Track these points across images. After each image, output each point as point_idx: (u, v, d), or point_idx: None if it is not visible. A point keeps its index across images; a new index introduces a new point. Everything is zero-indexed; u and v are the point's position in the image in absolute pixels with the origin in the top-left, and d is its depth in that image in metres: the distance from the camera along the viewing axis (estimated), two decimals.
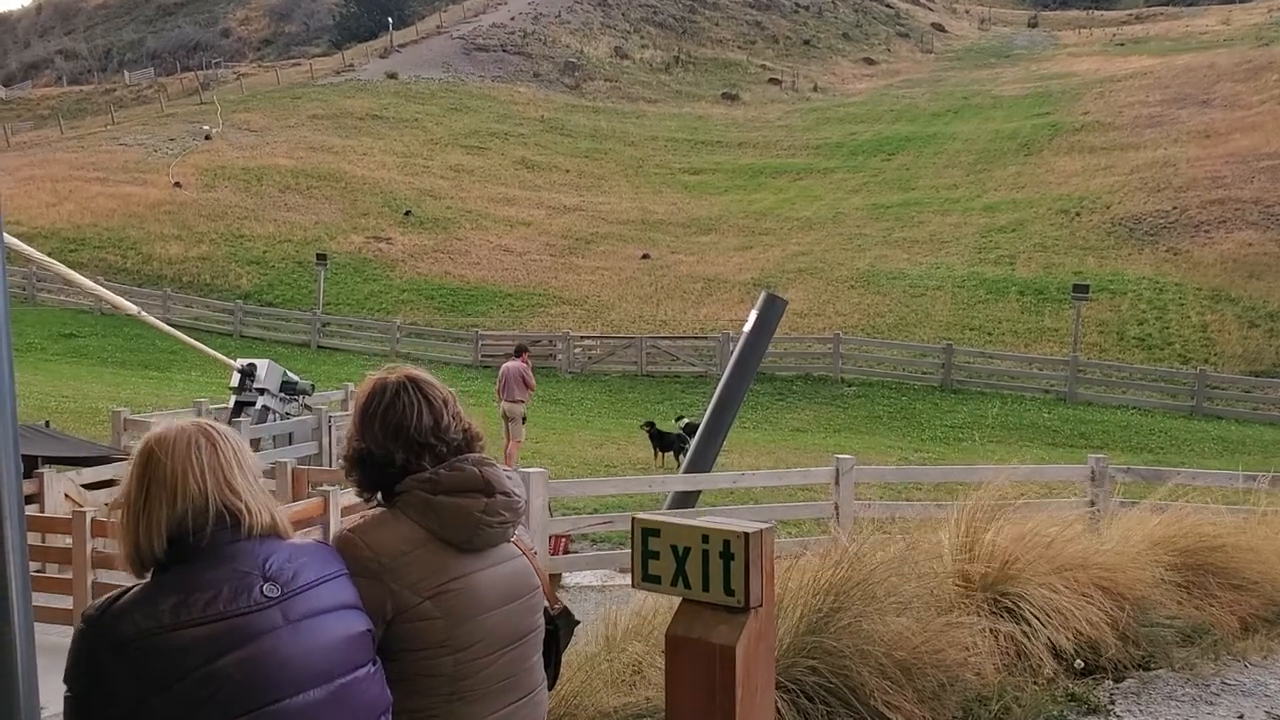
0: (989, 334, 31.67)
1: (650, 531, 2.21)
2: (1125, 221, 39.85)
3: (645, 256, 40.73)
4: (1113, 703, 4.33)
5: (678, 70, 73.05)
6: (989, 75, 69.81)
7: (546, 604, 2.36)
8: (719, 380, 10.26)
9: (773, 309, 9.95)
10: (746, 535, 2.08)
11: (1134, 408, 26.33)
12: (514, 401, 16.59)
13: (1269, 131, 47.34)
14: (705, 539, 2.13)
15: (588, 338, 31.86)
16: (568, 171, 53.12)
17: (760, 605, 2.12)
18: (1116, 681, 4.64)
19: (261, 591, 1.86)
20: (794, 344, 29.52)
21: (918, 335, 31.39)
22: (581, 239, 43.11)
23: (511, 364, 17.09)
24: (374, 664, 1.96)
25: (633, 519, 2.26)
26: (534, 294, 37.29)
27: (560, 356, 30.17)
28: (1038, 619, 4.54)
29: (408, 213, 44.58)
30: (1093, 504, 10.07)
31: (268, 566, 1.90)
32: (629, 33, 77.04)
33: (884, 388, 27.63)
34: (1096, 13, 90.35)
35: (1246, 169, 42.73)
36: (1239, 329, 30.51)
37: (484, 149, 54.91)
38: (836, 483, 10.08)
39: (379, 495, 2.20)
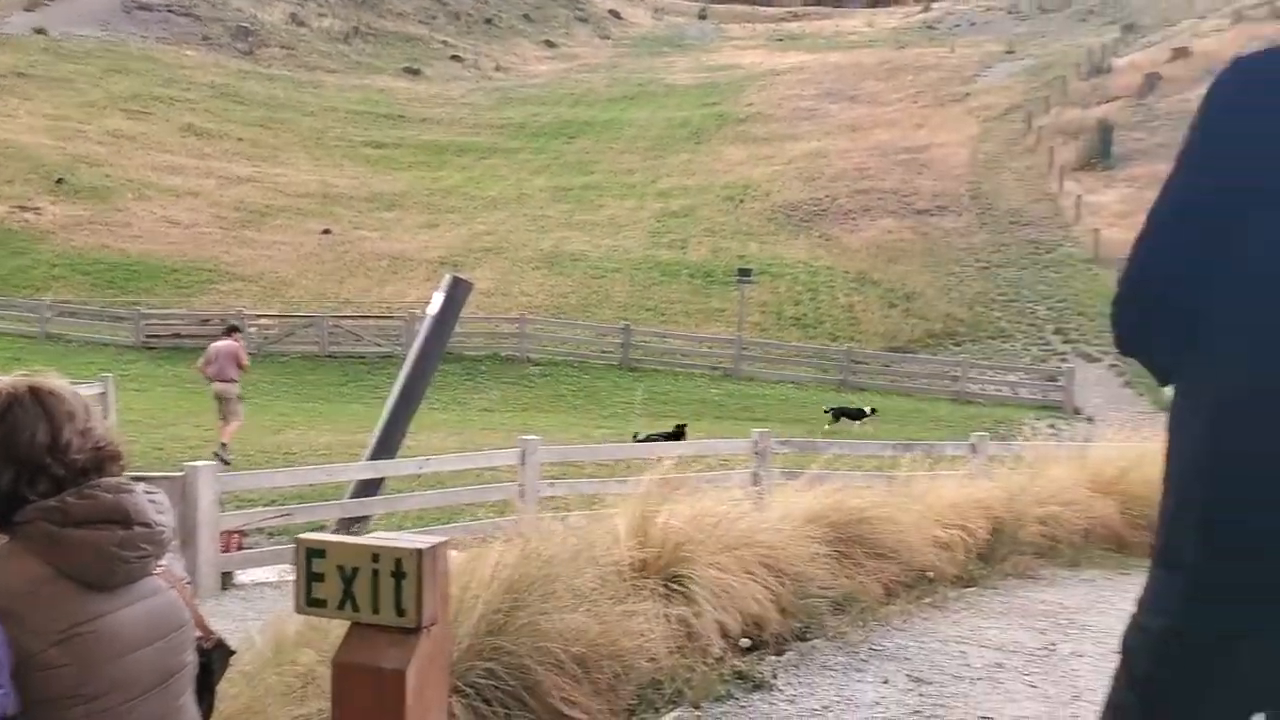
0: (663, 314, 33.38)
1: (315, 553, 2.03)
2: (784, 209, 43.03)
3: (326, 232, 39.63)
4: (775, 676, 4.57)
5: (358, 41, 71.17)
6: (663, 64, 72.73)
7: (199, 639, 2.17)
8: (405, 362, 10.39)
9: (458, 291, 10.17)
10: (419, 552, 1.97)
11: (791, 383, 28.69)
12: (228, 381, 16.44)
13: (905, 127, 52.46)
14: (375, 558, 1.99)
15: (264, 316, 30.76)
16: (241, 140, 50.68)
17: (434, 624, 2.02)
18: (778, 655, 4.88)
19: None
20: (481, 324, 29.89)
21: (598, 316, 32.61)
22: (257, 211, 41.38)
23: (223, 343, 16.95)
24: None
25: (297, 540, 2.06)
26: (204, 269, 35.46)
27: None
28: (707, 600, 4.70)
29: (59, 180, 41.05)
30: (756, 475, 10.85)
31: None
32: (305, 0, 74.15)
33: (568, 367, 28.57)
34: (758, 8, 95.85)
35: (887, 161, 47.19)
36: (880, 309, 33.79)
37: (147, 114, 51.34)
38: (522, 463, 10.18)
39: None
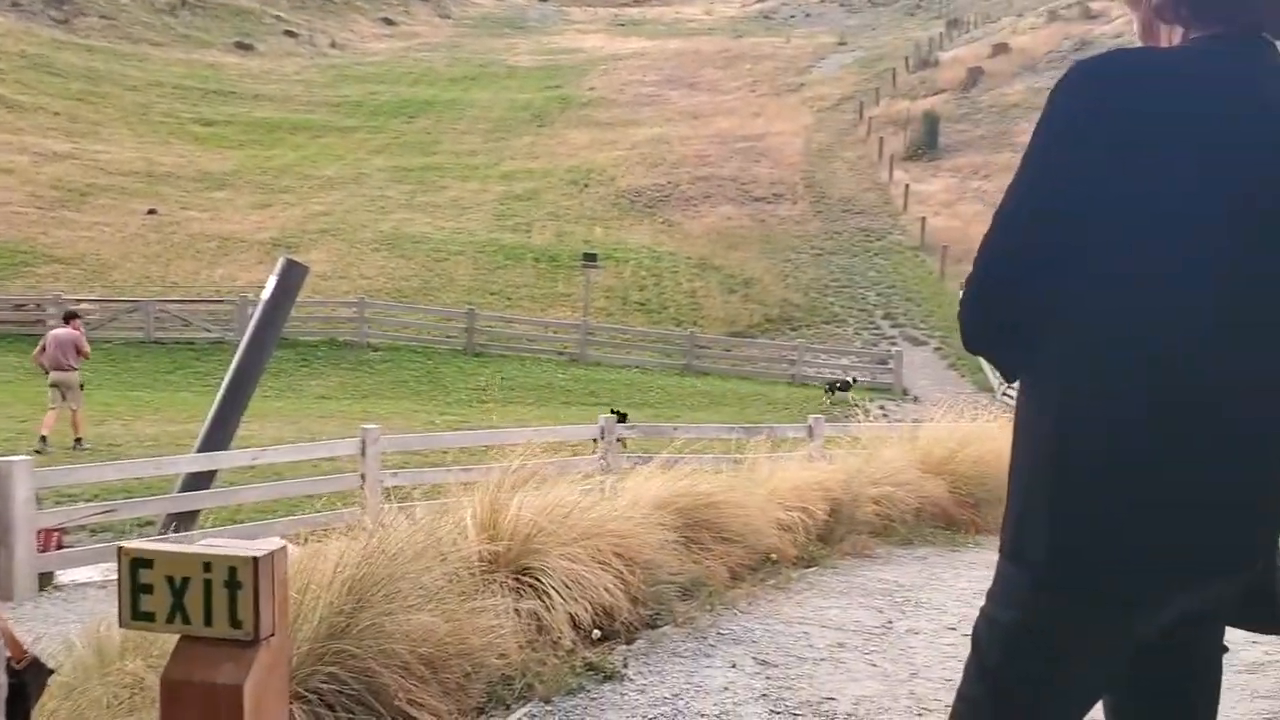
0: (508, 299, 33.16)
1: (141, 563, 1.91)
2: (627, 194, 43.27)
3: (152, 212, 37.87)
4: (626, 666, 4.56)
5: (185, 13, 68.06)
6: (504, 45, 72.05)
7: (10, 659, 2.11)
8: (237, 348, 10.02)
9: (293, 275, 9.81)
10: (255, 560, 1.87)
11: (636, 367, 28.93)
12: (67, 370, 16.16)
13: (743, 116, 53.40)
14: (208, 567, 1.89)
15: (86, 301, 29.16)
16: (57, 114, 47.89)
17: (273, 634, 1.92)
18: (629, 644, 4.83)
19: None
20: (318, 308, 29.06)
21: (441, 300, 32.15)
22: (76, 190, 39.21)
23: (62, 331, 16.75)
24: None
25: (119, 549, 1.92)
26: (17, 251, 33.41)
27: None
28: (558, 592, 4.64)
29: None
30: (604, 459, 10.88)
31: None
32: None
33: (410, 352, 28.08)
34: None
35: (726, 149, 47.96)
36: (721, 294, 34.36)
37: None
38: (363, 454, 10.00)
39: None
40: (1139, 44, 1.79)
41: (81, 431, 15.93)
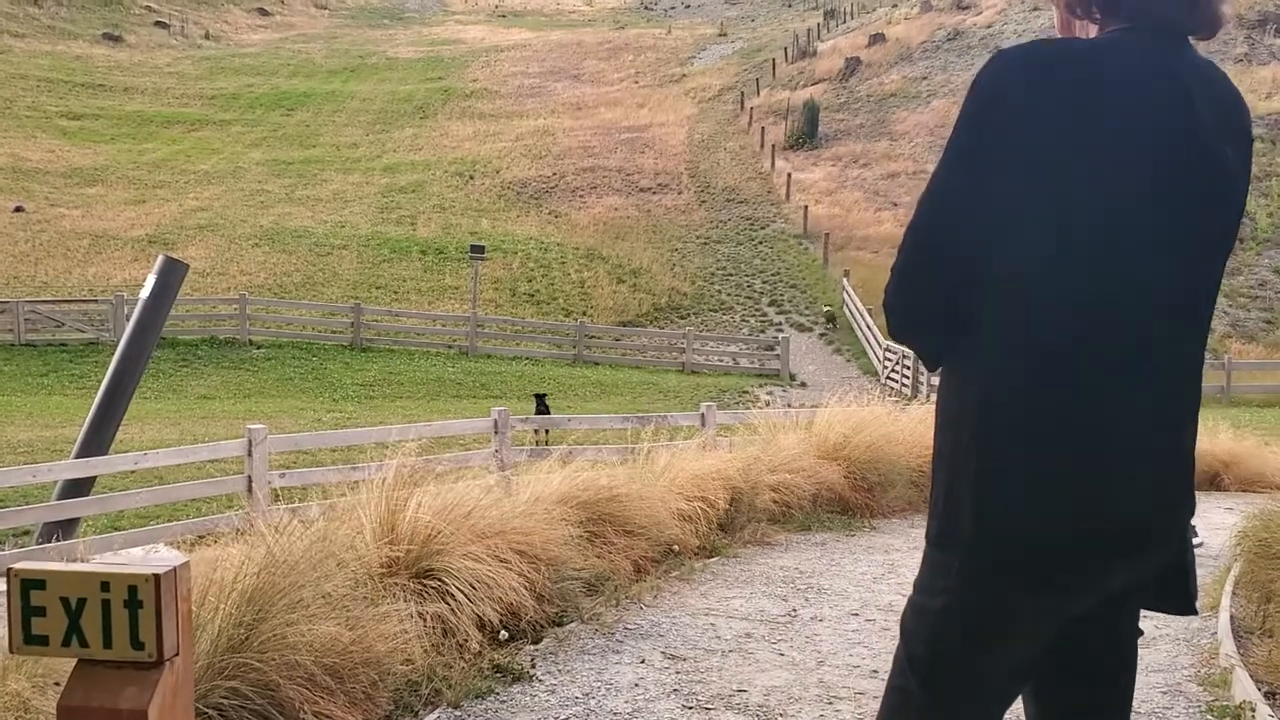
0: (395, 292, 32.63)
1: (33, 584, 1.82)
2: (513, 185, 42.95)
3: (19, 209, 36.32)
4: (534, 666, 4.53)
5: (49, 4, 65.17)
6: (384, 36, 70.80)
7: None
8: (115, 349, 9.65)
9: (173, 273, 9.52)
10: (157, 577, 1.79)
11: (527, 359, 28.76)
12: None
13: (627, 107, 53.46)
14: (105, 586, 1.80)
15: None
16: None
17: (176, 655, 1.85)
18: (535, 643, 4.81)
19: None
20: (197, 305, 28.21)
21: (326, 295, 31.48)
22: None
23: None
24: None
25: (9, 571, 1.84)
26: None
27: None
28: (463, 594, 4.58)
29: None
30: (498, 453, 10.76)
31: None
32: None
33: (295, 348, 27.43)
34: None
35: (611, 140, 47.96)
36: (610, 284, 34.37)
37: None
38: (249, 455, 9.71)
39: None
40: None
41: None
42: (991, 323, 1.64)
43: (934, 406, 1.78)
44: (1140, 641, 1.87)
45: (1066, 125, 1.58)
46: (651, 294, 34.01)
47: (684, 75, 59.77)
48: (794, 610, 5.70)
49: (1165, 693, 4.41)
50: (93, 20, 65.14)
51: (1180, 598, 1.77)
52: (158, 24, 67.46)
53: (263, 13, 75.53)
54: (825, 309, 30.55)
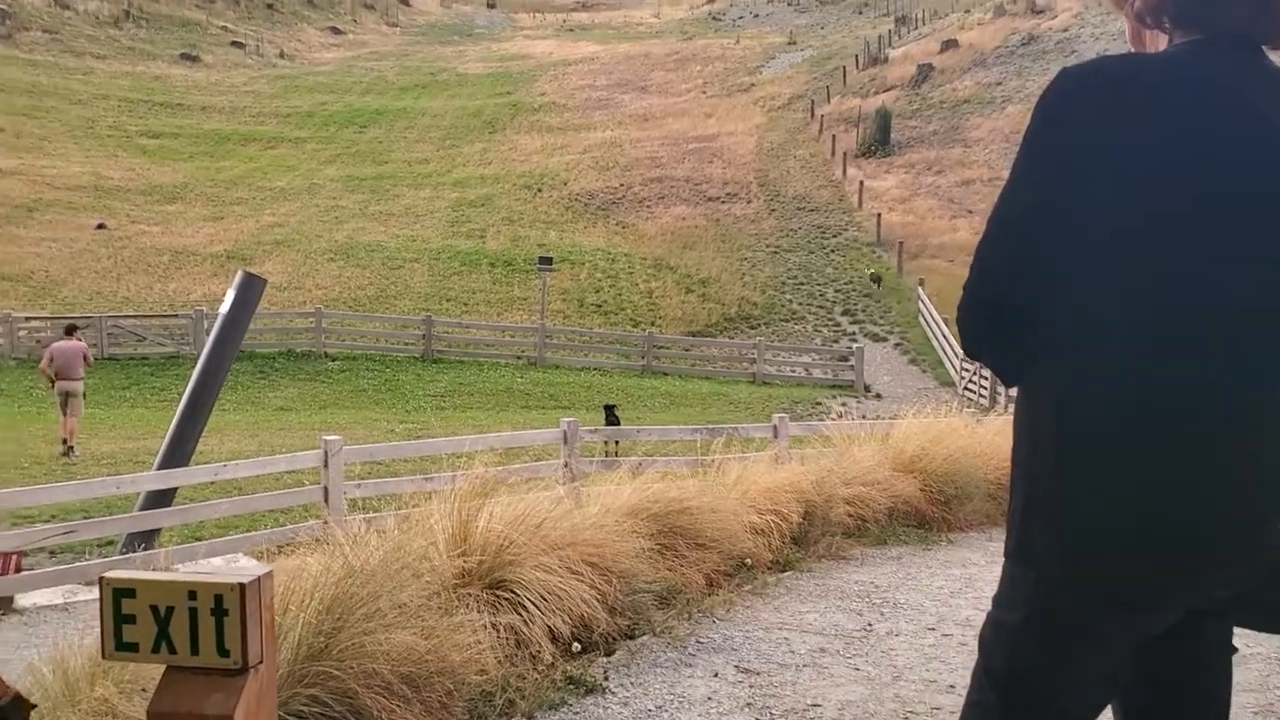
0: (465, 304, 32.96)
1: (124, 592, 1.85)
2: (581, 197, 43.20)
3: (101, 226, 37.34)
4: (607, 679, 4.50)
5: (129, 26, 67.14)
6: (454, 53, 71.73)
7: None
8: (195, 362, 9.82)
9: (251, 289, 9.70)
10: (242, 586, 1.83)
11: (595, 369, 28.85)
12: (75, 379, 17.23)
13: (695, 117, 53.51)
14: (193, 595, 1.85)
15: (35, 319, 28.63)
16: (2, 130, 47.06)
17: (260, 663, 1.89)
18: (608, 656, 4.76)
19: None
20: (274, 319, 28.75)
21: (398, 307, 31.92)
22: (23, 206, 38.54)
23: (68, 343, 17.81)
24: None
25: (101, 579, 1.88)
26: None
27: (1, 341, 26.90)
28: (535, 605, 4.58)
29: None
30: (567, 464, 10.77)
31: None
32: None
33: (368, 360, 27.85)
34: None
35: (678, 150, 48.03)
36: (678, 294, 34.37)
37: None
38: (326, 465, 9.82)
39: None
40: (1115, 47, 1.81)
41: (74, 439, 16.50)
42: (1066, 340, 1.62)
43: (1011, 418, 1.77)
44: (1233, 660, 1.82)
45: (1136, 143, 1.56)
46: (721, 304, 33.93)
47: (753, 84, 59.66)
48: (869, 625, 5.61)
49: (1257, 713, 4.26)
50: (171, 41, 66.94)
51: (1271, 615, 1.72)
52: (234, 44, 69.10)
53: (335, 31, 76.99)
54: (870, 271, 29.94)
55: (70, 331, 18.78)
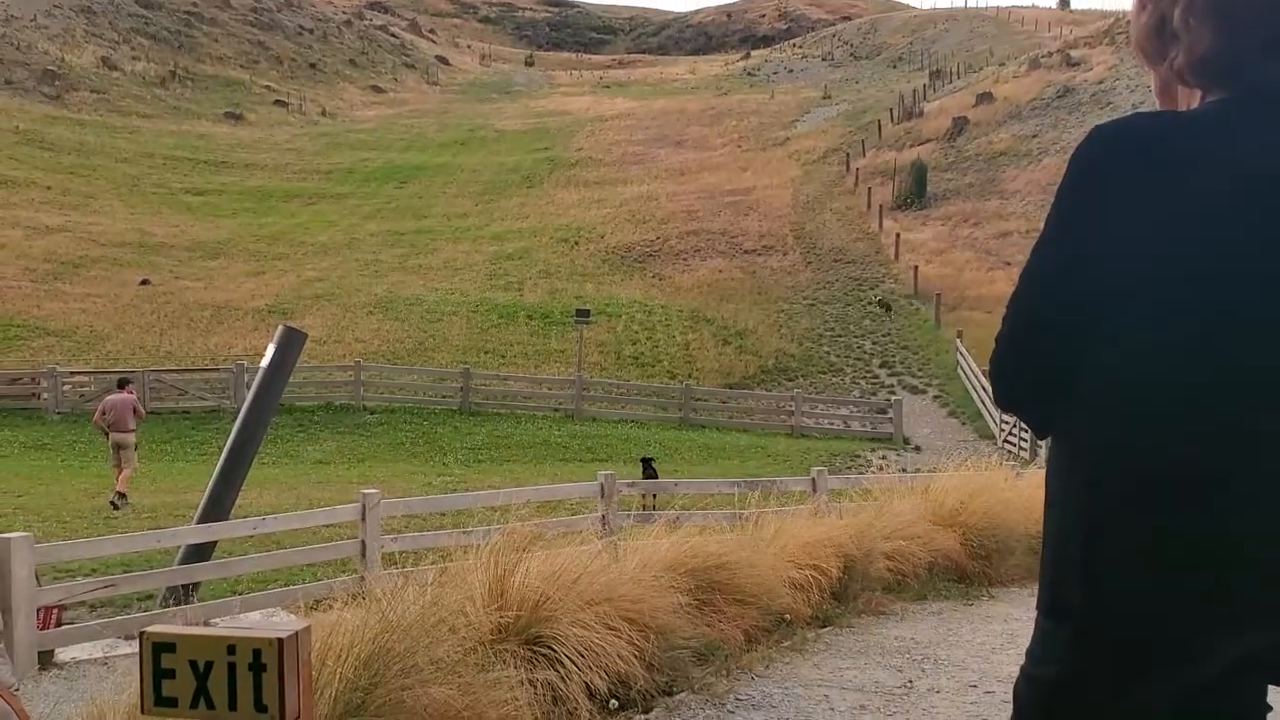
0: (502, 356, 33.13)
1: (164, 647, 1.87)
2: (617, 250, 43.46)
3: (145, 282, 37.93)
4: None
5: (175, 86, 68.77)
6: (492, 109, 72.80)
7: None
8: (235, 416, 9.90)
9: (292, 343, 9.82)
10: (280, 641, 1.84)
11: (632, 421, 28.81)
12: (127, 431, 17.77)
13: (730, 171, 53.84)
14: (231, 649, 1.85)
15: (79, 373, 29.05)
16: (49, 188, 48.14)
17: (298, 717, 1.89)
18: (645, 713, 4.75)
19: None
20: (314, 373, 28.96)
21: (436, 360, 32.12)
22: (69, 263, 39.29)
23: (120, 396, 18.44)
24: None
25: (141, 634, 1.90)
26: (11, 325, 33.37)
27: (46, 395, 27.27)
28: (572, 661, 4.56)
29: None
30: (604, 517, 10.73)
31: None
32: (118, 43, 71.38)
33: (406, 413, 27.98)
34: (585, 55, 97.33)
35: (714, 203, 48.27)
36: (715, 346, 34.36)
37: None
38: (363, 519, 9.84)
39: None
40: (1155, 104, 1.82)
41: (125, 489, 16.86)
42: (1096, 398, 1.61)
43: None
44: (1270, 718, 1.79)
45: (1167, 203, 1.55)
46: (758, 356, 33.88)
47: (788, 138, 60.02)
48: (910, 681, 5.52)
49: None
50: (215, 100, 68.44)
51: None
52: (277, 103, 70.53)
53: (376, 90, 78.41)
54: (878, 298, 29.60)
55: (122, 385, 19.49)
